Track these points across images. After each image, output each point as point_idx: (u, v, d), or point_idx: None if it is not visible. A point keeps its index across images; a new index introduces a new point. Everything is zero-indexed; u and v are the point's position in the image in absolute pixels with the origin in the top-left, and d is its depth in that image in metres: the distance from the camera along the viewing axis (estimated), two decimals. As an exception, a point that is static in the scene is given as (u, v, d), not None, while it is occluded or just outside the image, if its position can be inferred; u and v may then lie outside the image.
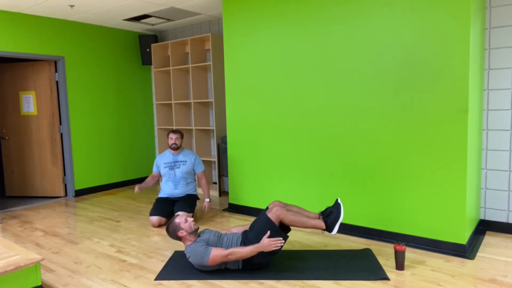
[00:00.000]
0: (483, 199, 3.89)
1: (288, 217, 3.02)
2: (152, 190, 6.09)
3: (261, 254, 2.93)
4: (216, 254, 2.88)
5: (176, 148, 4.46)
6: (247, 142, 4.59)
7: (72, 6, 4.93)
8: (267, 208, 3.15)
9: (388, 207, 3.63)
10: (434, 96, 3.29)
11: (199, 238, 3.05)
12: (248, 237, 3.03)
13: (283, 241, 2.88)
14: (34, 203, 5.56)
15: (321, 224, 3.05)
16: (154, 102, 6.71)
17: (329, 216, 3.06)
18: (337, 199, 3.16)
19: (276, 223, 2.99)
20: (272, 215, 3.00)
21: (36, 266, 2.66)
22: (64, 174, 5.83)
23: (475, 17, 3.24)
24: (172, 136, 4.44)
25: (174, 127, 6.06)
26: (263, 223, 3.00)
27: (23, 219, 4.76)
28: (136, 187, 4.48)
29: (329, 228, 3.03)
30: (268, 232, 2.92)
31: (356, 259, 3.20)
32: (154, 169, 4.60)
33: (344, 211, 3.83)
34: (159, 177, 4.65)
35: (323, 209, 3.23)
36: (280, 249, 3.00)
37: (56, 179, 5.82)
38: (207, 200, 4.50)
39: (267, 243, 2.84)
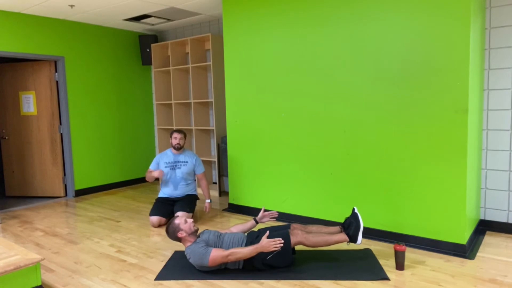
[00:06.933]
0: (483, 199, 3.89)
1: (309, 240, 3.03)
2: (152, 190, 6.09)
3: (262, 262, 2.95)
4: (216, 255, 2.88)
5: (180, 148, 4.45)
6: (247, 142, 4.59)
7: (72, 6, 4.93)
8: (289, 225, 3.19)
9: (388, 207, 3.63)
10: (434, 96, 3.29)
11: (199, 239, 3.05)
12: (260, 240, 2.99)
13: (283, 241, 2.88)
14: (34, 203, 5.56)
15: (344, 237, 3.06)
16: (154, 102, 6.71)
17: (350, 227, 3.07)
18: (353, 208, 3.16)
19: (292, 245, 3.02)
20: (293, 238, 3.01)
21: (36, 266, 2.66)
22: (64, 174, 5.84)
23: (475, 17, 3.23)
24: (177, 135, 4.43)
25: (174, 127, 6.06)
26: (280, 236, 2.97)
27: (23, 219, 4.76)
28: (157, 173, 4.31)
29: (352, 239, 3.04)
30: (268, 232, 2.93)
31: (356, 259, 3.20)
32: (152, 166, 4.49)
33: (343, 211, 3.85)
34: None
35: (342, 220, 3.26)
36: (282, 263, 3.00)
37: (56, 179, 5.82)
38: (208, 201, 4.50)
39: (267, 243, 2.84)
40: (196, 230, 3.11)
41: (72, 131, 5.80)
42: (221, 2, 4.80)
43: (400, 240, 3.48)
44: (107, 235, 4.05)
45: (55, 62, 5.65)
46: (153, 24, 6.03)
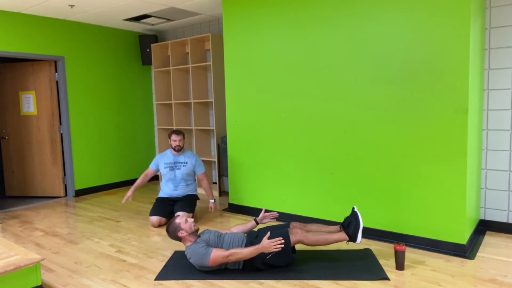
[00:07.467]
0: (483, 199, 3.89)
1: (308, 239, 3.03)
2: (152, 190, 6.10)
3: (262, 262, 2.95)
4: (217, 255, 2.88)
5: (180, 149, 4.45)
6: (247, 142, 4.59)
7: (72, 6, 4.93)
8: (288, 224, 3.19)
9: (388, 207, 3.63)
10: (434, 96, 3.29)
11: (199, 239, 3.05)
12: (259, 240, 3.00)
13: (283, 241, 2.88)
14: (34, 203, 5.56)
15: (344, 236, 3.06)
16: (154, 102, 6.71)
17: (349, 226, 3.07)
18: (353, 208, 3.16)
19: (292, 243, 3.02)
20: (293, 237, 3.01)
21: (36, 266, 2.66)
22: (64, 174, 5.84)
23: (475, 17, 3.24)
24: (176, 138, 4.42)
25: (174, 127, 6.06)
26: (280, 235, 2.98)
27: (23, 219, 4.76)
28: (129, 193, 4.37)
29: (352, 239, 3.04)
30: (269, 233, 2.93)
31: (356, 259, 3.20)
32: (152, 166, 4.52)
33: (343, 211, 3.85)
34: (153, 175, 4.61)
35: (340, 220, 3.25)
36: (282, 262, 3.00)
37: (56, 179, 5.82)
38: (212, 201, 4.49)
39: (267, 244, 2.84)
40: (197, 230, 3.11)
41: (72, 131, 5.80)
42: (221, 2, 4.80)
43: (400, 240, 3.49)
44: (107, 235, 4.05)
45: (55, 62, 5.65)
46: (153, 24, 6.03)
